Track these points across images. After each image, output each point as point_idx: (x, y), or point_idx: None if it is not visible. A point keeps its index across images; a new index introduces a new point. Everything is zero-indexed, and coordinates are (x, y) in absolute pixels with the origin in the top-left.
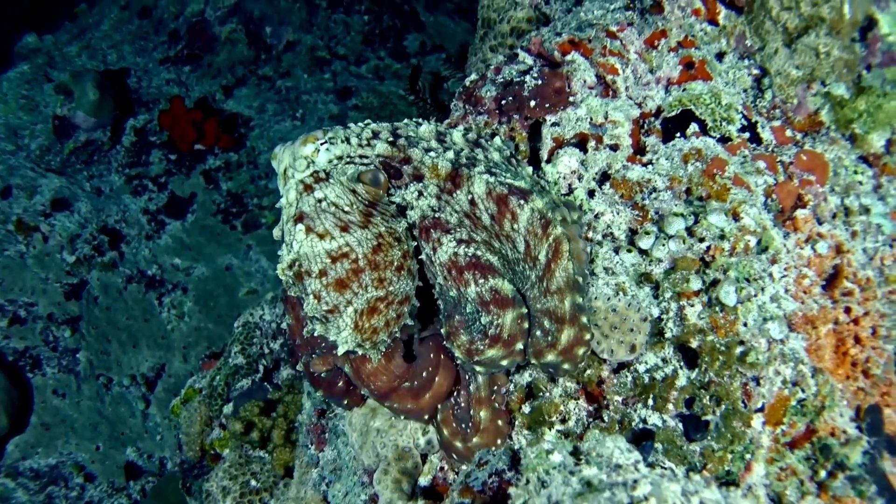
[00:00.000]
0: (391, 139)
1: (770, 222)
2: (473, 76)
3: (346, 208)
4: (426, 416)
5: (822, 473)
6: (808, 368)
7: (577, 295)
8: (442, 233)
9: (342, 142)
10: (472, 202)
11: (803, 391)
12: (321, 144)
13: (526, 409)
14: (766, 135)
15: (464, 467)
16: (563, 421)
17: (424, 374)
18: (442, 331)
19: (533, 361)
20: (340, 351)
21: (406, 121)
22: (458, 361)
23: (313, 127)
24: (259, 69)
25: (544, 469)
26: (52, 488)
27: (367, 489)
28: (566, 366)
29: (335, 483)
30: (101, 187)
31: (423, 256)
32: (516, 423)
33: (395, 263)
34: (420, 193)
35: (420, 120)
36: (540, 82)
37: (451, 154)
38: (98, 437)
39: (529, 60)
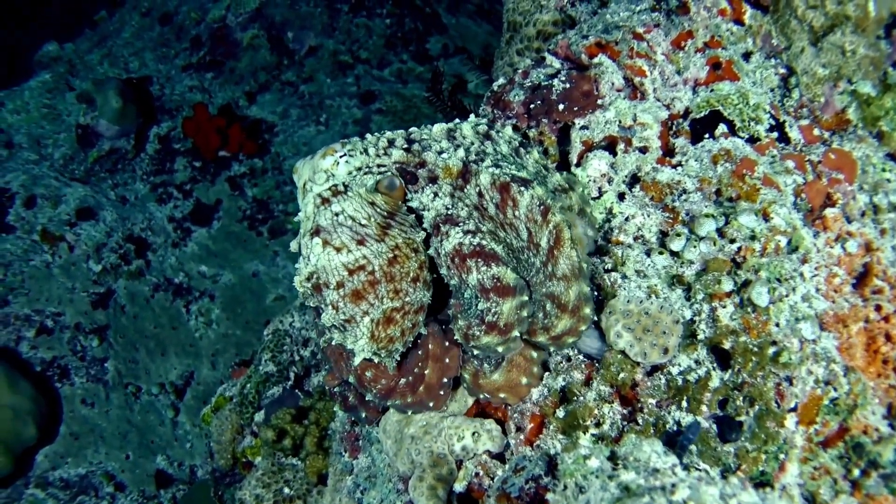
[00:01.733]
0: (406, 146)
1: (800, 222)
2: (501, 80)
3: (364, 221)
4: (430, 405)
5: (856, 472)
6: (840, 367)
7: (583, 283)
8: (451, 226)
9: (361, 153)
10: (480, 194)
11: (836, 390)
12: (340, 157)
13: (560, 413)
14: (794, 134)
15: (499, 474)
16: (598, 425)
17: (416, 369)
18: (450, 312)
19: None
20: (357, 360)
21: (423, 126)
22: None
23: (336, 132)
24: (282, 74)
25: (582, 474)
26: (83, 498)
27: (403, 496)
28: (551, 348)
29: (370, 490)
30: (125, 196)
31: (431, 251)
32: (550, 427)
33: (412, 275)
34: (435, 195)
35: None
36: (568, 86)
37: (461, 152)
38: (128, 445)
39: (557, 64)
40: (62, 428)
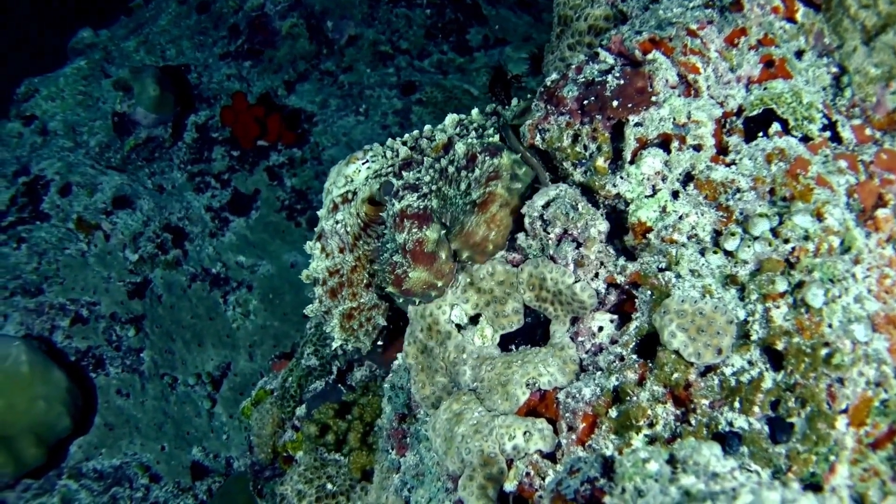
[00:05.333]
0: (413, 145)
1: (853, 222)
2: (554, 76)
3: (348, 229)
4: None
5: None
6: (891, 369)
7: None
8: (409, 192)
9: (381, 157)
10: (451, 161)
11: (886, 392)
12: (362, 164)
13: (613, 413)
14: (846, 134)
15: (550, 473)
16: (651, 425)
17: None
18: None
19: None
20: (335, 344)
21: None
22: None
23: (376, 122)
24: (321, 64)
25: (641, 478)
26: (117, 489)
27: (452, 495)
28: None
29: (418, 489)
30: (162, 184)
31: (384, 214)
32: (603, 427)
33: (365, 281)
34: (418, 172)
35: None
36: (622, 82)
37: (452, 130)
38: (163, 436)
39: (610, 59)
40: (97, 418)
